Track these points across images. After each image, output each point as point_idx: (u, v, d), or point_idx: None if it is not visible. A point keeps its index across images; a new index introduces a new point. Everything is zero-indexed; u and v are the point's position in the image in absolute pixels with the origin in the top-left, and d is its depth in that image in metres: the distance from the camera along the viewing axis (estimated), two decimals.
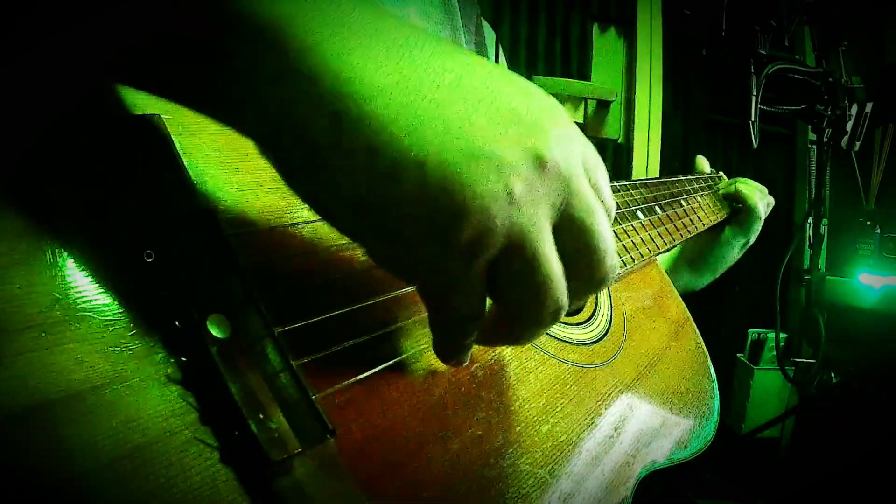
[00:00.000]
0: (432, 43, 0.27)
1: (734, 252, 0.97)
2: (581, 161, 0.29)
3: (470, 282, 0.28)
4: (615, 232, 0.63)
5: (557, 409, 0.42)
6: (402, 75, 0.25)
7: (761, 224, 0.96)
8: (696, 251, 0.96)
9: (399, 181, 0.24)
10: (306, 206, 0.34)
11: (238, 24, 0.24)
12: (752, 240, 0.98)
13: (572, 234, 0.29)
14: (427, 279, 0.28)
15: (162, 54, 0.25)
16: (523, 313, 0.30)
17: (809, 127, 1.80)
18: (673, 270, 0.97)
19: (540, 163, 0.27)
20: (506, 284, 0.29)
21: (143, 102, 0.30)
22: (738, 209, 0.97)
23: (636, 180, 0.75)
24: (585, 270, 0.30)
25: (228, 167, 0.33)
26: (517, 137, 0.26)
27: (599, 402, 0.46)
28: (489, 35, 0.82)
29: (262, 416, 0.26)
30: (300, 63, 0.24)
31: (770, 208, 1.00)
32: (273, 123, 0.25)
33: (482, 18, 0.79)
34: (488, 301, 0.30)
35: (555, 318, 0.30)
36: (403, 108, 0.25)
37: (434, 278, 0.28)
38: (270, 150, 0.27)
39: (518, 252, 0.27)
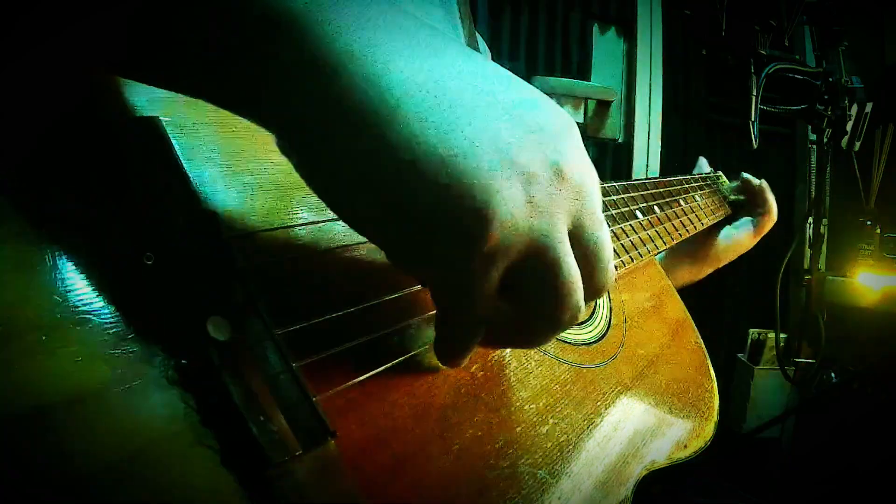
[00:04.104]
0: (455, 45, 0.27)
1: (741, 251, 0.98)
2: (588, 173, 0.29)
3: (487, 285, 0.28)
4: (614, 232, 0.63)
5: (557, 410, 0.42)
6: (430, 76, 0.25)
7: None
8: (700, 247, 0.96)
9: (426, 182, 0.24)
10: (306, 207, 0.34)
11: (255, 15, 0.24)
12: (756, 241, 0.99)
13: (582, 242, 0.29)
14: (445, 281, 0.28)
15: (183, 49, 0.25)
16: (541, 317, 0.30)
17: (809, 127, 1.80)
18: (673, 264, 0.97)
19: (559, 172, 0.27)
20: (526, 289, 0.29)
21: (142, 104, 0.30)
22: (740, 207, 0.97)
23: (635, 180, 0.75)
24: (588, 278, 0.31)
25: (228, 169, 0.33)
26: (539, 147, 0.27)
27: (599, 403, 0.46)
28: (483, 49, 0.82)
29: (262, 418, 0.26)
30: (322, 55, 0.24)
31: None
32: (294, 116, 0.25)
33: (475, 31, 0.79)
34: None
35: (572, 321, 0.31)
36: (433, 108, 0.25)
37: (452, 280, 0.28)
38: (291, 144, 0.27)
39: (539, 258, 0.27)
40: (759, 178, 0.99)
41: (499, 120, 0.26)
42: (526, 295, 0.29)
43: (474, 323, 0.30)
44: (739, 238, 0.96)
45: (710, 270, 0.99)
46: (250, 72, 0.25)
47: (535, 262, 0.28)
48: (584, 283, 0.30)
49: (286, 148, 0.27)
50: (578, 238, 0.29)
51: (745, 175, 0.99)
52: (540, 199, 0.26)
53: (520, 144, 0.26)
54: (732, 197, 0.99)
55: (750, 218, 0.97)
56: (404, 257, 0.28)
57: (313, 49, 0.24)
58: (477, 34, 0.80)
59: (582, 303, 0.30)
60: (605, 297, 0.61)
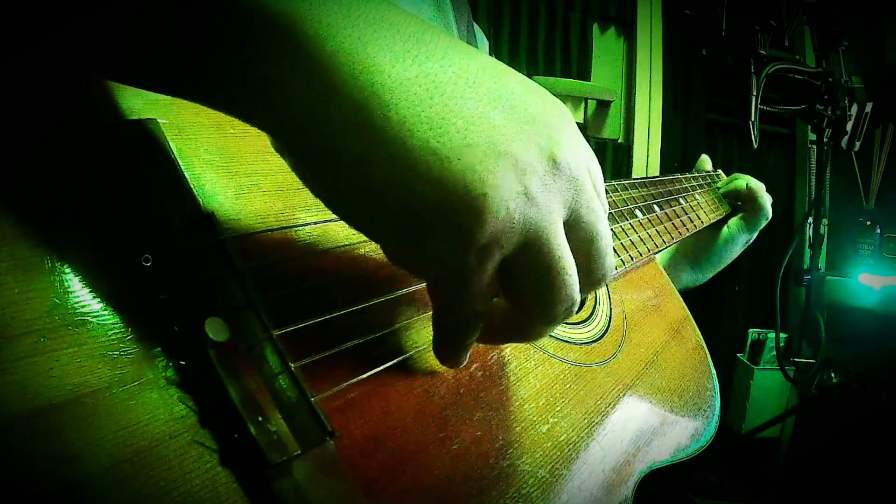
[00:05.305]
0: (446, 39, 0.27)
1: (737, 249, 0.98)
2: (585, 162, 0.29)
3: (483, 278, 0.28)
4: (613, 230, 0.63)
5: (557, 409, 0.42)
6: (421, 69, 0.25)
7: (767, 221, 0.97)
8: (699, 248, 0.96)
9: (420, 176, 0.24)
10: (304, 208, 0.34)
11: (247, 17, 0.24)
12: (754, 237, 0.98)
13: (578, 232, 0.29)
14: (441, 275, 0.28)
15: (173, 51, 0.25)
16: (538, 309, 0.30)
17: (809, 127, 1.79)
18: (673, 267, 0.97)
19: (553, 162, 0.27)
20: (521, 281, 0.29)
21: (140, 107, 0.30)
22: (740, 207, 0.97)
23: (635, 179, 0.75)
24: (586, 269, 0.30)
25: (226, 170, 0.33)
26: (532, 137, 0.27)
27: (599, 402, 0.46)
28: (480, 38, 0.82)
29: (260, 419, 0.26)
30: (314, 54, 0.24)
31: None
32: (288, 116, 0.25)
33: (473, 20, 0.79)
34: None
35: (568, 314, 0.31)
36: (424, 101, 0.25)
37: (449, 274, 0.28)
38: (287, 144, 0.27)
39: (534, 248, 0.27)
40: (742, 177, 0.98)
41: (492, 111, 0.26)
42: (520, 287, 0.29)
43: (471, 317, 0.30)
44: (734, 237, 0.96)
45: (711, 273, 0.99)
46: (242, 73, 0.25)
47: (530, 255, 0.28)
48: (582, 274, 0.30)
49: (281, 148, 0.27)
50: (575, 228, 0.29)
51: (733, 183, 0.98)
52: (534, 190, 0.26)
53: (513, 135, 0.26)
54: (723, 191, 0.99)
55: (742, 216, 0.97)
56: (400, 252, 0.28)
57: (303, 49, 0.24)
58: (475, 26, 0.80)
59: (577, 295, 0.30)
60: (605, 296, 0.61)
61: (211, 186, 0.31)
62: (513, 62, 1.85)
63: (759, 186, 0.96)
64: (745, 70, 1.41)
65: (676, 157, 2.07)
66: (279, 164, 0.34)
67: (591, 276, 0.31)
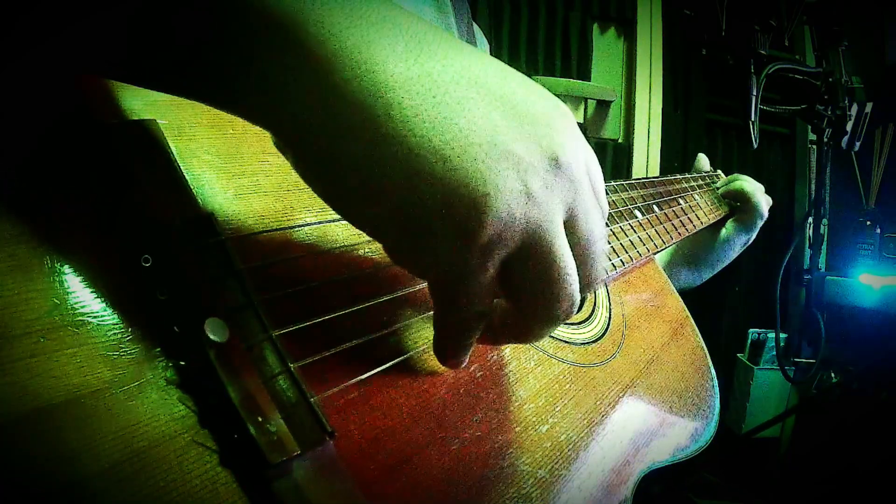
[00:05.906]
0: (448, 39, 0.27)
1: (735, 250, 0.98)
2: (585, 163, 0.29)
3: (484, 278, 0.28)
4: (613, 231, 0.63)
5: (557, 409, 0.42)
6: (423, 69, 0.25)
7: (763, 222, 0.97)
8: (696, 249, 0.97)
9: (422, 175, 0.25)
10: (304, 208, 0.34)
11: (248, 17, 0.24)
12: (753, 237, 0.98)
13: (576, 233, 0.29)
14: (443, 274, 0.28)
15: (173, 51, 0.25)
16: (538, 309, 0.30)
17: (809, 127, 1.79)
18: (671, 268, 0.97)
19: (555, 162, 0.27)
20: (522, 281, 0.29)
21: (139, 107, 0.30)
22: (737, 208, 0.97)
23: (634, 179, 0.75)
24: (580, 270, 0.30)
25: (225, 171, 0.33)
26: (534, 137, 0.27)
27: (599, 402, 0.46)
28: (480, 38, 0.82)
29: (260, 419, 0.26)
30: (315, 54, 0.24)
31: (768, 206, 1.00)
32: (290, 115, 0.25)
33: (473, 21, 0.79)
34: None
35: (568, 314, 0.31)
36: (426, 101, 0.25)
37: (450, 273, 0.28)
38: (289, 142, 0.27)
39: (535, 248, 0.28)
40: (740, 178, 0.98)
41: (493, 111, 0.26)
42: (522, 287, 0.29)
43: (471, 318, 0.31)
44: (732, 238, 0.96)
45: (710, 273, 0.99)
46: (243, 73, 0.25)
47: (531, 254, 0.28)
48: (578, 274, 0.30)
49: (282, 146, 0.27)
50: (573, 228, 0.29)
51: (742, 186, 0.97)
52: (536, 190, 0.26)
53: (515, 135, 0.26)
54: (721, 192, 0.99)
55: (739, 217, 0.97)
56: (402, 251, 0.28)
57: (305, 49, 0.24)
58: (475, 26, 0.80)
59: (577, 294, 0.30)
60: (604, 296, 0.61)
61: (211, 187, 0.31)
62: (513, 62, 1.85)
63: (755, 187, 0.96)
64: (745, 70, 1.41)
65: (676, 157, 2.07)
66: (279, 164, 0.34)
67: (584, 277, 0.31)
